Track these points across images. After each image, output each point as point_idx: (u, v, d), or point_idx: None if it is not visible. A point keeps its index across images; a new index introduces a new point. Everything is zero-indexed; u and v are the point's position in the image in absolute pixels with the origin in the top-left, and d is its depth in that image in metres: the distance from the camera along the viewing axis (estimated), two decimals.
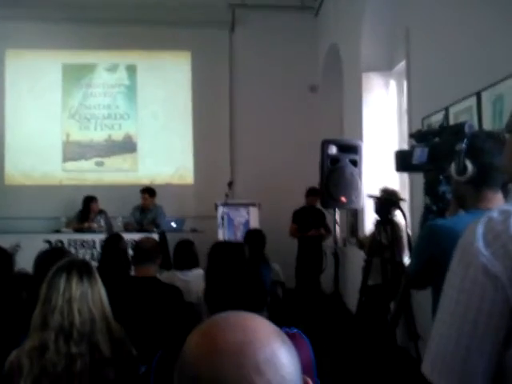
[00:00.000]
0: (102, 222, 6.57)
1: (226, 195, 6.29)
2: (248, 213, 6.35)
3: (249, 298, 1.57)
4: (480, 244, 0.89)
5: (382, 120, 5.53)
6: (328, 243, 5.96)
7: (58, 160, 7.81)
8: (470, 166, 1.63)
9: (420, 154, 2.22)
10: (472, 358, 0.88)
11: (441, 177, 2.11)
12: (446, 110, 3.63)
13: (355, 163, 4.46)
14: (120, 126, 7.91)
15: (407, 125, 4.64)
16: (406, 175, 4.64)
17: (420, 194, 2.98)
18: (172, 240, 5.21)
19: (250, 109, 7.69)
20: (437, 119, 3.77)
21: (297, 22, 7.73)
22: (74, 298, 1.60)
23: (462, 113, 3.44)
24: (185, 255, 3.64)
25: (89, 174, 7.81)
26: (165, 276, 3.42)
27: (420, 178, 2.35)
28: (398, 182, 5.08)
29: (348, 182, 4.47)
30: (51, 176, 7.75)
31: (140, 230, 6.27)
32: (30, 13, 7.33)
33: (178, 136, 7.85)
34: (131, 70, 7.95)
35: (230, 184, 6.48)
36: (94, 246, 6.13)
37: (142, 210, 6.78)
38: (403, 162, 2.42)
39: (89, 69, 7.93)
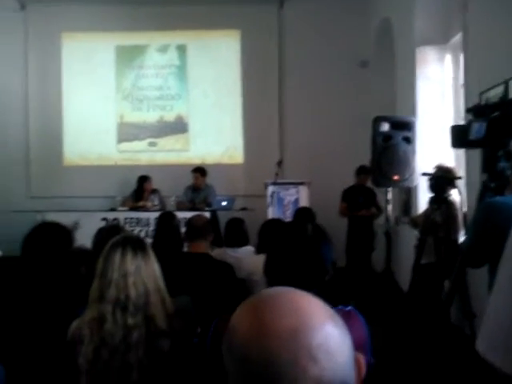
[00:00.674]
0: (156, 201, 6.75)
1: (276, 174, 6.28)
2: (297, 192, 6.34)
3: (308, 274, 1.58)
4: None
5: (437, 95, 5.33)
6: (379, 222, 5.87)
7: (112, 141, 8.05)
8: None
9: (477, 129, 2.13)
10: None
11: (500, 153, 2.03)
12: (506, 83, 3.45)
13: (408, 140, 4.36)
14: (171, 106, 8.03)
15: (463, 100, 4.46)
16: (462, 152, 4.48)
17: (477, 171, 2.87)
18: (223, 218, 5.29)
19: (299, 86, 7.61)
20: (495, 93, 3.59)
21: None
22: (128, 273, 1.66)
23: None
24: (235, 233, 3.69)
25: (142, 154, 8.01)
26: (216, 253, 3.48)
27: (477, 154, 2.26)
28: (453, 158, 4.92)
29: (401, 159, 4.37)
30: (107, 157, 8.01)
31: (192, 208, 6.38)
32: None
33: (228, 115, 7.89)
34: (181, 50, 8.03)
35: (280, 163, 6.46)
36: (148, 224, 6.31)
37: (194, 189, 6.90)
38: (459, 137, 2.34)
39: (140, 50, 8.07)
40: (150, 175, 6.97)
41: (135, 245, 1.73)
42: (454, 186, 3.72)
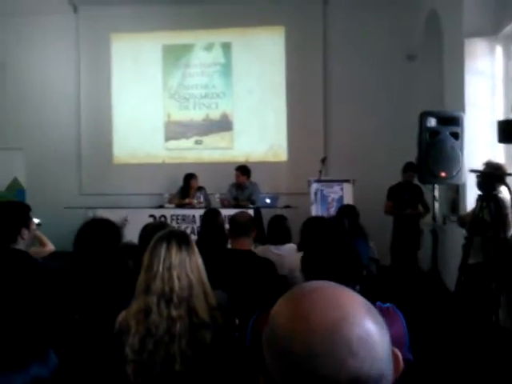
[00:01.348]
0: (202, 198, 6.86)
1: (320, 172, 6.26)
2: (342, 189, 6.28)
3: (344, 270, 1.60)
4: None
5: (487, 89, 5.16)
6: (426, 221, 5.75)
7: (160, 140, 8.24)
8: None
9: None
10: None
11: None
12: None
13: (456, 136, 4.25)
14: (217, 104, 8.13)
15: None
16: None
17: None
18: (266, 216, 5.32)
19: (344, 82, 7.55)
20: None
21: None
22: (173, 266, 1.72)
23: None
24: (278, 230, 3.72)
25: (189, 152, 8.16)
26: (259, 250, 3.52)
27: None
28: (503, 155, 4.75)
29: (448, 155, 4.27)
30: (154, 155, 8.21)
31: (236, 206, 6.45)
32: None
33: (273, 113, 7.92)
34: (226, 48, 8.11)
35: (324, 160, 6.43)
36: (193, 221, 6.43)
37: (238, 186, 6.97)
38: (507, 132, 2.28)
39: (186, 49, 8.21)
40: (196, 173, 7.08)
41: (179, 239, 1.79)
42: (503, 182, 3.61)
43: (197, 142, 8.18)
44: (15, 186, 7.69)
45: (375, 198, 6.11)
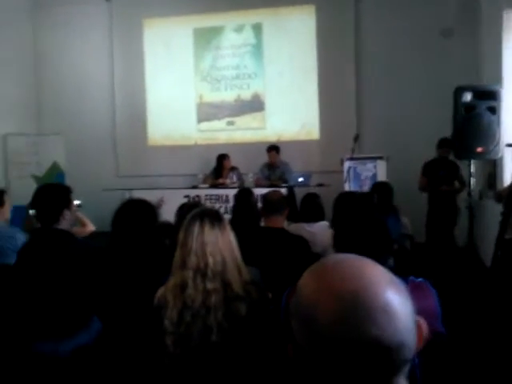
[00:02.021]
0: (235, 178, 6.93)
1: (352, 149, 6.21)
2: (375, 166, 6.23)
3: (374, 244, 1.62)
4: None
5: None
6: (462, 197, 5.66)
7: (193, 121, 8.33)
8: None
9: None
10: None
11: None
12: None
13: (493, 110, 4.17)
14: (248, 85, 8.14)
15: None
16: None
17: None
18: (299, 194, 5.34)
19: (376, 58, 7.42)
20: None
21: None
22: (206, 242, 1.79)
23: None
24: (311, 208, 3.74)
25: (221, 133, 8.22)
26: (292, 228, 3.56)
27: None
28: None
29: (485, 130, 4.21)
30: (188, 136, 8.32)
31: (269, 185, 6.49)
32: None
33: (304, 91, 7.87)
34: (257, 28, 8.07)
35: (356, 138, 6.36)
36: (227, 200, 6.51)
37: (270, 166, 7.00)
38: None
39: (217, 31, 8.21)
40: (229, 153, 7.15)
41: (212, 217, 1.86)
42: None
43: (229, 123, 8.23)
44: (55, 170, 7.97)
45: (409, 174, 6.03)
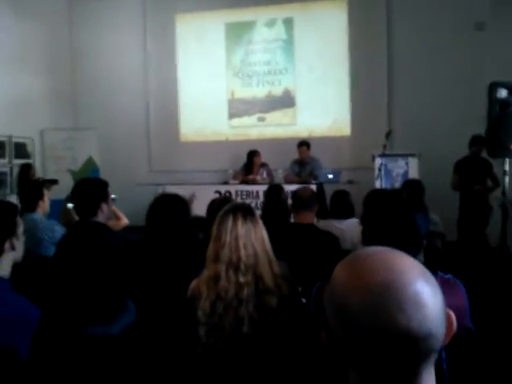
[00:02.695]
0: (265, 174, 6.97)
1: (384, 146, 6.17)
2: (407, 164, 6.18)
3: (402, 240, 1.64)
4: None
5: None
6: (495, 195, 5.56)
7: (224, 117, 8.41)
8: None
9: None
10: None
11: None
12: None
13: None
14: (279, 81, 8.16)
15: None
16: None
17: None
18: (329, 191, 5.35)
19: (408, 54, 7.33)
20: None
21: None
22: (239, 236, 1.85)
23: None
24: (341, 204, 3.76)
25: (252, 129, 8.27)
26: (321, 224, 3.60)
27: None
28: None
29: None
30: (219, 132, 8.40)
31: (298, 181, 6.50)
32: None
33: (335, 87, 7.84)
34: (288, 23, 8.08)
35: (388, 134, 6.31)
36: (257, 196, 6.56)
37: (300, 162, 7.01)
38: None
39: (249, 26, 8.25)
40: (259, 149, 7.19)
41: (245, 211, 1.92)
42: None
43: (259, 119, 8.28)
44: (90, 165, 8.17)
45: (442, 172, 5.96)
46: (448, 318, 0.79)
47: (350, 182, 6.49)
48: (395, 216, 1.68)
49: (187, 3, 8.27)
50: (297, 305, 1.86)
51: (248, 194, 6.68)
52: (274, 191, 4.14)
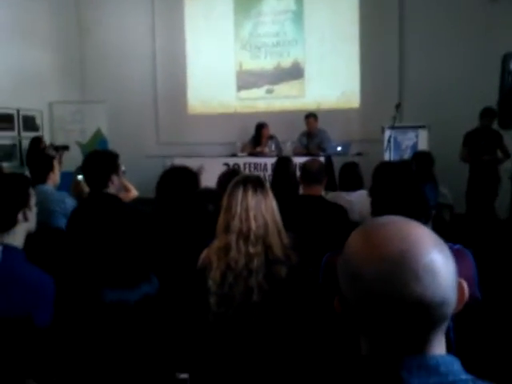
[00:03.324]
0: (273, 147, 6.95)
1: (394, 118, 6.11)
2: (416, 136, 6.13)
3: (411, 210, 1.65)
4: None
5: None
6: (505, 167, 5.52)
7: (232, 89, 8.35)
8: None
9: None
10: None
11: None
12: None
13: None
14: (288, 53, 8.06)
15: None
16: None
17: None
18: (338, 163, 5.33)
19: (420, 25, 7.17)
20: None
21: None
22: (249, 207, 1.86)
23: None
24: (349, 176, 3.76)
25: (260, 101, 8.22)
26: (330, 196, 3.60)
27: None
28: None
29: None
30: (227, 105, 8.36)
31: (307, 154, 6.49)
32: None
33: (345, 59, 7.72)
34: None
35: (398, 106, 6.23)
36: (265, 169, 6.57)
37: (309, 135, 6.98)
38: None
39: None
40: (267, 122, 7.15)
41: (255, 183, 1.93)
42: None
43: (268, 91, 8.21)
44: (98, 137, 8.19)
45: (452, 144, 5.91)
46: (460, 286, 0.80)
47: (359, 154, 6.47)
48: (404, 187, 1.68)
49: None
50: (306, 275, 1.89)
51: (256, 166, 6.68)
52: (283, 163, 4.14)
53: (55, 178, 3.66)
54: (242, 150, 7.13)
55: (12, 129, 7.34)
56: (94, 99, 8.35)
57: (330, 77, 7.79)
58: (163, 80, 8.53)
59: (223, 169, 5.43)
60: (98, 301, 1.24)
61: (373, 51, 7.45)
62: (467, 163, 5.88)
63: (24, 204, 1.86)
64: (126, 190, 3.86)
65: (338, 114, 7.53)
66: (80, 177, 3.44)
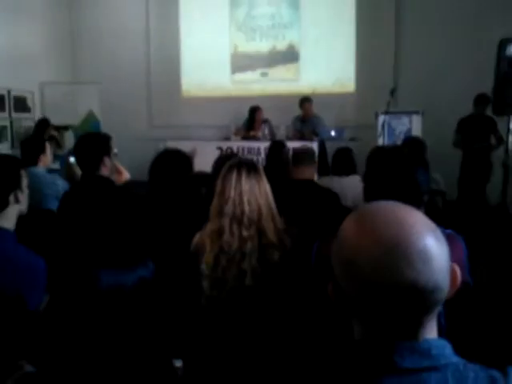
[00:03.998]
0: (266, 131, 6.92)
1: (388, 103, 6.09)
2: (410, 121, 6.13)
3: (403, 195, 1.65)
4: None
5: None
6: (498, 153, 5.54)
7: (226, 72, 8.28)
8: None
9: None
10: None
11: None
12: None
13: None
14: (284, 35, 7.98)
15: None
16: None
17: None
18: (331, 148, 5.32)
19: (417, 9, 7.13)
20: None
21: None
22: (243, 191, 1.86)
23: None
24: (343, 161, 3.76)
25: (254, 84, 8.15)
26: (323, 181, 3.61)
27: None
28: None
29: None
30: (221, 87, 8.29)
31: (301, 138, 6.47)
32: None
33: (341, 43, 7.67)
34: None
35: (393, 91, 6.19)
36: (259, 153, 6.55)
37: (303, 119, 6.95)
38: None
39: None
40: (261, 105, 7.10)
41: (249, 167, 1.92)
42: None
43: (262, 74, 8.15)
44: (91, 119, 8.10)
45: (446, 130, 5.92)
46: (453, 271, 0.80)
47: (353, 139, 6.45)
48: (396, 172, 1.68)
49: None
50: (297, 258, 1.89)
51: (250, 150, 6.66)
52: (276, 148, 4.13)
53: (46, 159, 3.64)
54: (236, 134, 7.09)
55: (3, 109, 7.25)
56: (87, 80, 8.26)
57: (326, 60, 7.74)
58: (157, 61, 8.43)
59: (216, 152, 5.43)
60: (93, 283, 1.23)
61: (369, 36, 7.40)
62: (460, 149, 5.89)
63: (15, 186, 1.84)
64: (118, 172, 3.81)
65: (332, 100, 7.47)
66: (72, 159, 3.41)
